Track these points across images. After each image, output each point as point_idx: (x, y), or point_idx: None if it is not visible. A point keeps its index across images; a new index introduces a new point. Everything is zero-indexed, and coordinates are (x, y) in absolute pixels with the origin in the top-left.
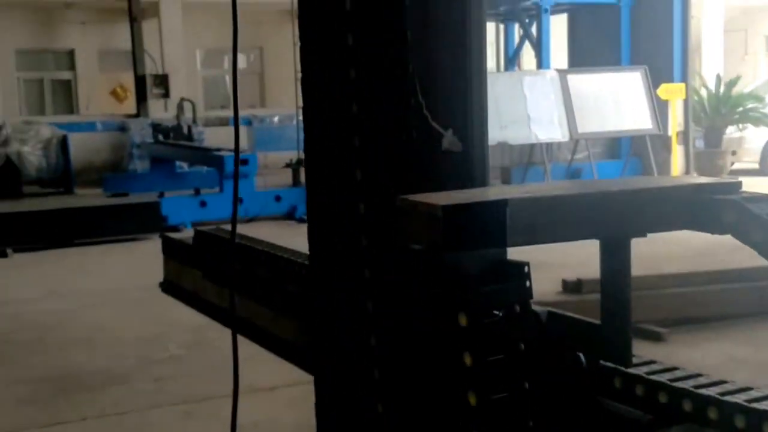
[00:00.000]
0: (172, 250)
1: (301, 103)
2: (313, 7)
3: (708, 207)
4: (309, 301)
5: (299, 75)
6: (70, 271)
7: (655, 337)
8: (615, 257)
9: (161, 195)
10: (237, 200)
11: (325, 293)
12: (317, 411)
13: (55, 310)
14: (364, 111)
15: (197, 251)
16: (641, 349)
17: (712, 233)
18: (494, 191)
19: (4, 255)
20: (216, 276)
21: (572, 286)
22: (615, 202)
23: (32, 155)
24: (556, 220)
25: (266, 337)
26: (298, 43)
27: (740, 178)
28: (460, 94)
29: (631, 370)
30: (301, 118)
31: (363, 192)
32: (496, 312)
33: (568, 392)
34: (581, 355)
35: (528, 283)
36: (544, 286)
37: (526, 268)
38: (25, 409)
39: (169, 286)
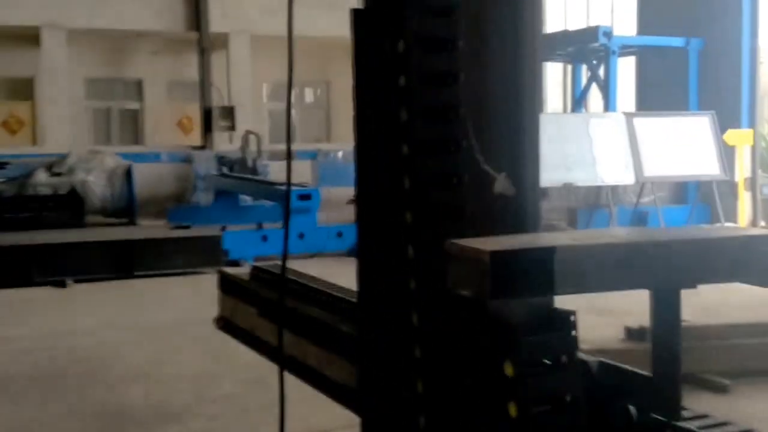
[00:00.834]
0: (228, 286)
1: None
2: (366, 48)
3: (759, 259)
4: (358, 342)
5: None
6: (129, 302)
7: (720, 389)
8: (665, 308)
9: (223, 228)
10: (288, 237)
11: (373, 336)
12: None
13: (112, 343)
14: (416, 153)
15: (253, 288)
16: (704, 401)
17: (762, 286)
18: (543, 238)
19: (63, 285)
20: (271, 313)
21: (636, 334)
22: (665, 252)
23: (96, 185)
24: (605, 269)
25: (318, 378)
26: None
27: None
28: (513, 137)
29: (682, 424)
30: None
31: (413, 235)
32: (544, 361)
33: None
34: (631, 407)
35: (575, 333)
36: (608, 333)
37: (573, 318)
38: None
39: (224, 323)
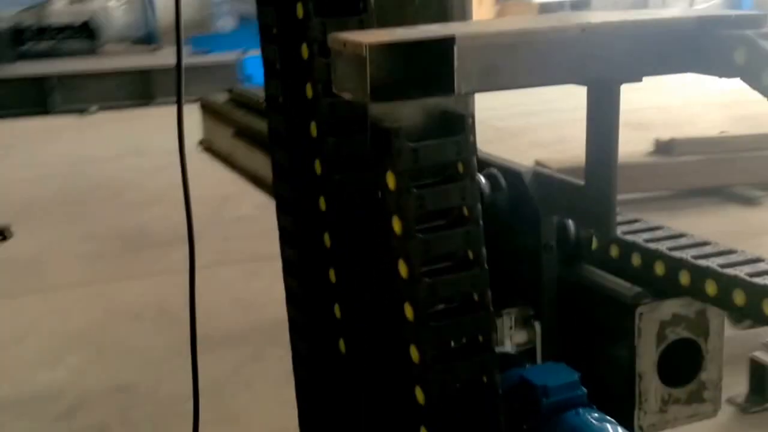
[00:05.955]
0: (208, 110)
1: None
2: None
3: (714, 45)
4: None
5: None
6: (151, 129)
7: (750, 201)
8: (602, 106)
9: (244, 53)
10: None
11: None
12: None
13: (131, 168)
14: None
15: (227, 111)
16: (732, 214)
17: (720, 76)
18: (447, 27)
19: (82, 113)
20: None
21: (663, 147)
22: (599, 39)
23: (117, 11)
24: (522, 62)
25: None
26: None
27: None
28: None
29: (615, 238)
30: None
31: None
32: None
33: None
34: (569, 221)
35: (472, 138)
36: (639, 147)
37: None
38: (95, 264)
39: (207, 145)
